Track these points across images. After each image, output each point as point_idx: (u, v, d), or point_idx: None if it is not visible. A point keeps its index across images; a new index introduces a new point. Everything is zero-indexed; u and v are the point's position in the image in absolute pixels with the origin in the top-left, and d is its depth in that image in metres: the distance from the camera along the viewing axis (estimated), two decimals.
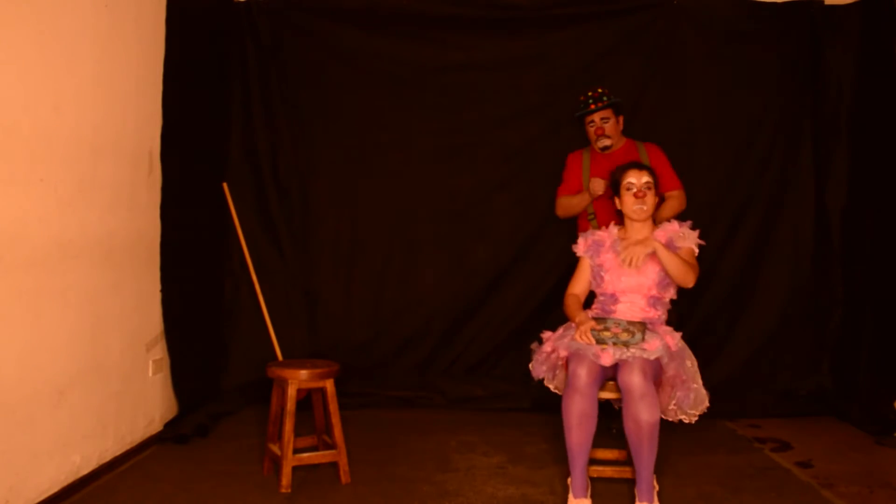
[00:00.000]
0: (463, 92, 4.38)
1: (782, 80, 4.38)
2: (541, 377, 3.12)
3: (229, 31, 4.30)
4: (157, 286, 3.66)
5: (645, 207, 3.10)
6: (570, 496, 2.88)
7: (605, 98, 3.88)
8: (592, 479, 3.02)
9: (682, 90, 4.37)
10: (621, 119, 3.92)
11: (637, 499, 2.84)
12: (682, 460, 3.46)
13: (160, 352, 3.72)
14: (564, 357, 2.97)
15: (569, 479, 2.93)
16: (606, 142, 3.87)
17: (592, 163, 3.93)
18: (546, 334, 3.15)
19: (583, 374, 2.80)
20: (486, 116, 4.41)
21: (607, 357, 2.82)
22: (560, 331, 3.10)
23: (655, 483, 2.88)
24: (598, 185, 3.74)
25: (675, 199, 3.84)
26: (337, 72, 4.40)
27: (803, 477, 3.30)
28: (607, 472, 3.10)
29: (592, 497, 2.93)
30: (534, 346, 3.20)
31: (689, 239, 3.10)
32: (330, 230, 4.46)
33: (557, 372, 3.09)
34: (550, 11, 4.35)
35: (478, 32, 4.35)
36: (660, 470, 3.29)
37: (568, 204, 3.97)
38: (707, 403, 2.94)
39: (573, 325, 3.07)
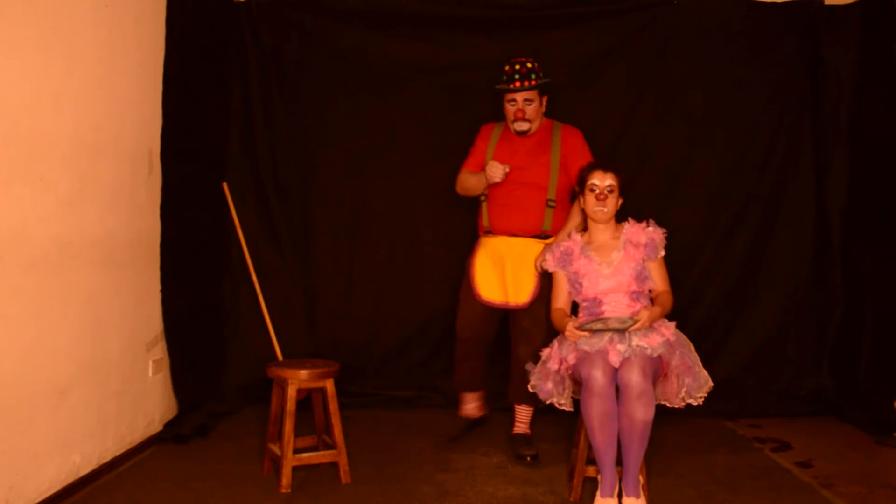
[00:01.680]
0: (463, 92, 4.37)
1: (782, 80, 4.38)
2: (548, 396, 3.06)
3: (229, 31, 4.30)
4: (157, 286, 3.67)
5: (605, 210, 3.14)
6: (598, 494, 2.88)
7: (533, 76, 3.54)
8: (589, 479, 3.01)
9: (682, 90, 4.36)
10: (545, 100, 3.66)
11: (624, 493, 2.85)
12: (682, 460, 3.47)
13: (160, 352, 3.72)
14: (572, 365, 2.96)
15: (591, 475, 2.94)
16: (525, 126, 3.59)
17: (500, 141, 3.68)
18: (545, 352, 3.12)
19: (599, 376, 2.80)
20: (485, 116, 4.41)
21: (614, 356, 2.83)
22: (556, 345, 3.09)
23: (641, 477, 2.89)
24: (497, 171, 3.46)
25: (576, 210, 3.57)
26: (337, 72, 4.40)
27: (803, 477, 3.30)
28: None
29: (591, 495, 2.93)
30: (528, 366, 3.18)
31: (661, 247, 3.15)
32: (330, 230, 4.46)
33: (566, 383, 3.07)
34: (550, 11, 4.34)
35: (478, 32, 4.35)
36: (660, 470, 3.30)
37: (467, 182, 3.69)
38: (711, 383, 2.98)
39: (566, 333, 3.09)
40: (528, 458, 3.48)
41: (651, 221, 3.19)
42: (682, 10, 4.34)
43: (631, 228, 3.17)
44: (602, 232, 3.20)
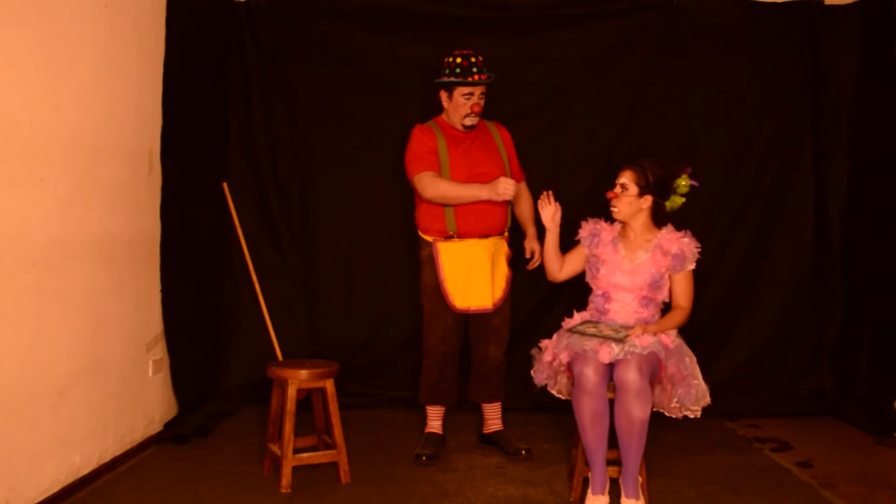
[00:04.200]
0: None
1: (782, 80, 4.37)
2: (542, 384, 3.13)
3: (229, 31, 4.30)
4: (157, 286, 3.67)
5: (616, 209, 3.11)
6: (589, 492, 2.89)
7: (484, 70, 3.51)
8: (589, 479, 3.01)
9: (682, 90, 4.36)
10: None
11: (624, 495, 2.86)
12: (682, 460, 3.47)
13: (160, 352, 3.72)
14: (566, 362, 2.97)
15: (588, 474, 2.94)
16: (476, 120, 3.55)
17: (448, 142, 3.55)
18: (544, 343, 3.14)
19: (590, 374, 2.82)
20: (485, 116, 4.40)
21: (605, 354, 2.83)
22: (555, 338, 3.10)
23: (640, 478, 2.90)
24: (509, 187, 3.34)
25: (529, 193, 3.75)
26: (337, 72, 4.39)
27: (803, 477, 3.30)
28: (609, 471, 3.10)
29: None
30: (534, 351, 3.20)
31: (690, 261, 3.11)
32: (330, 230, 4.46)
33: (559, 378, 3.10)
34: (550, 11, 4.34)
35: (478, 32, 4.34)
36: (660, 470, 3.30)
37: (452, 192, 3.42)
38: (708, 399, 2.97)
39: (564, 329, 3.10)
40: (524, 452, 3.50)
41: (688, 232, 3.16)
42: (682, 10, 4.33)
43: (666, 235, 3.13)
44: (632, 230, 3.16)
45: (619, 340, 2.87)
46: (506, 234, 3.66)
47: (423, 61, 4.38)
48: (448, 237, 3.52)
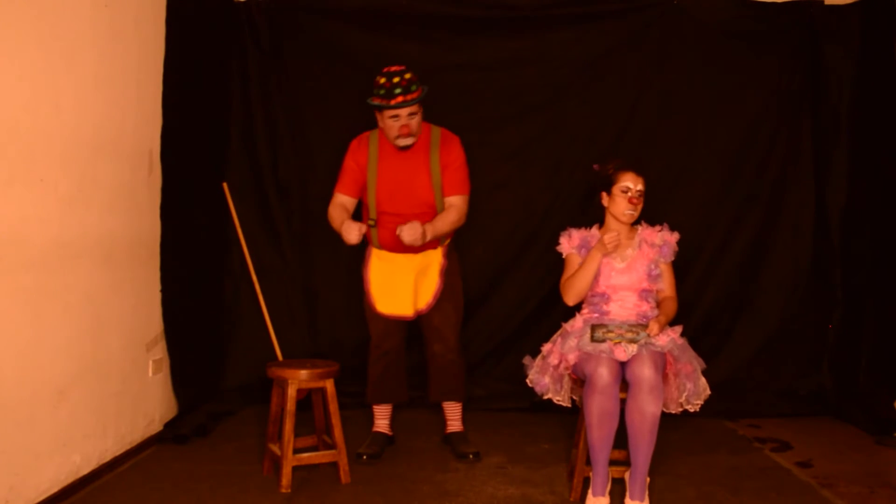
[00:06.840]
0: (463, 92, 4.37)
1: (782, 80, 4.38)
2: (545, 391, 3.08)
3: (229, 31, 4.30)
4: (157, 286, 3.67)
5: (635, 214, 3.16)
6: (590, 493, 2.89)
7: (414, 87, 3.27)
8: (589, 479, 3.01)
9: (682, 90, 4.36)
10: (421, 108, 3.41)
11: (629, 496, 2.85)
12: (682, 460, 3.47)
13: (160, 352, 3.72)
14: (573, 363, 2.96)
15: (589, 474, 2.93)
16: (409, 141, 3.35)
17: (381, 156, 3.44)
18: (546, 347, 3.12)
19: (604, 374, 2.81)
20: (486, 116, 4.41)
21: (621, 352, 2.84)
22: (559, 341, 3.09)
23: (647, 478, 2.90)
24: (353, 236, 3.25)
25: (454, 210, 3.42)
26: (337, 71, 4.39)
27: (803, 477, 3.30)
28: (611, 472, 3.09)
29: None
30: (526, 360, 3.18)
31: (674, 249, 3.17)
32: (330, 230, 4.44)
33: (563, 382, 3.08)
34: (550, 11, 4.34)
35: (478, 32, 4.35)
36: (660, 470, 3.29)
37: (333, 214, 3.47)
38: (708, 391, 2.99)
39: (565, 331, 3.10)
40: (471, 456, 3.46)
41: (665, 225, 3.22)
42: (682, 10, 4.33)
43: (645, 230, 3.21)
44: (621, 230, 3.19)
45: (638, 342, 2.88)
46: (442, 247, 3.58)
47: (422, 61, 4.38)
48: (379, 247, 3.54)
